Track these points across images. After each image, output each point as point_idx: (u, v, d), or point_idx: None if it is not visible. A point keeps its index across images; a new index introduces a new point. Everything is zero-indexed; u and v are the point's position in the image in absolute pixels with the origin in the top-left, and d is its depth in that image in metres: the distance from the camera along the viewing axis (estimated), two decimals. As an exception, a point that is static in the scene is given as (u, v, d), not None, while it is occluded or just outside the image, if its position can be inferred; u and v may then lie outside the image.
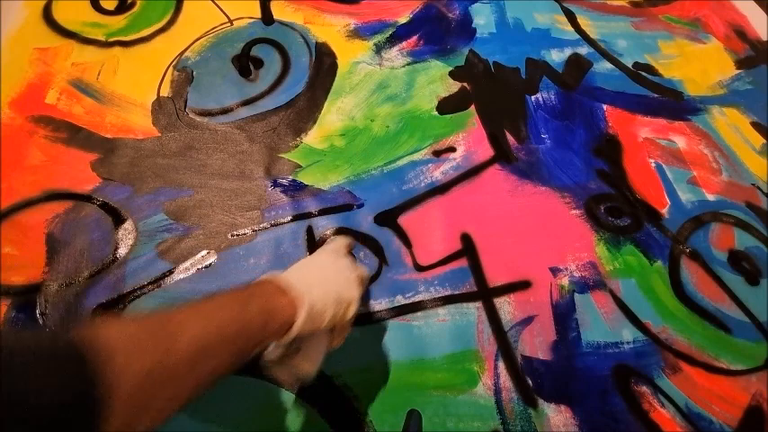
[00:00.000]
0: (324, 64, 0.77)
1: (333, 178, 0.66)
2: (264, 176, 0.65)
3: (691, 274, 0.65)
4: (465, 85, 0.78)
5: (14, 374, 0.20)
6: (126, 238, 0.58)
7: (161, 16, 0.78)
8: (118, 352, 0.23)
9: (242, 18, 0.80)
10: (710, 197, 0.72)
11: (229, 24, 0.79)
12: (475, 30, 0.86)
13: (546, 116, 0.77)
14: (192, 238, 0.59)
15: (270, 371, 0.41)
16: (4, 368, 0.20)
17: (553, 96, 0.79)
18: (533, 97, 0.79)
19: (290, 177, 0.65)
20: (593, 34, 0.89)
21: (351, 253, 0.49)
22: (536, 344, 0.57)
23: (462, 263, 0.62)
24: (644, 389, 0.56)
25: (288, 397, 0.51)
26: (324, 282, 0.37)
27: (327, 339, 0.42)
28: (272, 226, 0.61)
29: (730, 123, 0.81)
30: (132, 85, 0.71)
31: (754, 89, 0.87)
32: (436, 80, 0.78)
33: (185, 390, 0.27)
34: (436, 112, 0.74)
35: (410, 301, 0.58)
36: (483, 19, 0.88)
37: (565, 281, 0.62)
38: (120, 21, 0.77)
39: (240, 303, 0.31)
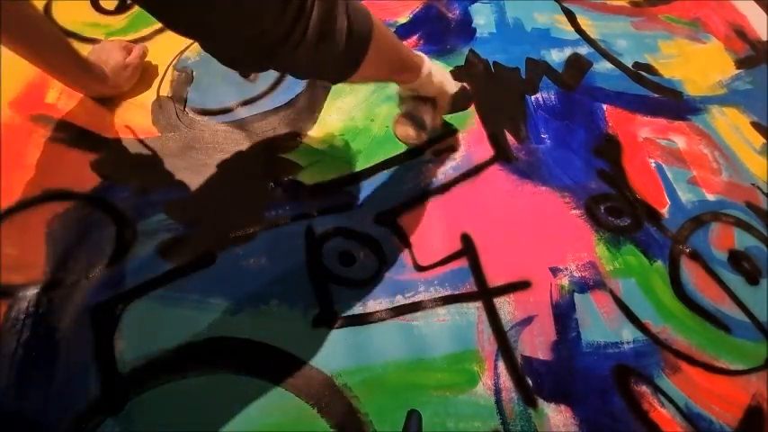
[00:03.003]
0: (324, 64, 0.77)
1: (333, 178, 0.66)
2: (264, 176, 0.65)
3: (691, 273, 0.65)
4: (465, 85, 0.78)
5: None
6: (126, 237, 0.58)
7: (161, 16, 0.78)
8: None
9: (242, 18, 0.80)
10: (710, 197, 0.72)
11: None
12: (475, 30, 0.86)
13: (546, 116, 0.77)
14: (192, 238, 0.59)
15: (401, 124, 0.62)
16: None
17: (553, 96, 0.79)
18: (533, 97, 0.79)
19: (290, 177, 0.65)
20: (593, 34, 0.89)
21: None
22: (536, 344, 0.57)
23: (462, 263, 0.62)
24: (644, 389, 0.56)
25: (288, 397, 0.51)
26: (436, 66, 0.58)
27: (433, 112, 0.63)
28: (272, 226, 0.61)
29: (730, 123, 0.81)
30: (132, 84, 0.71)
31: (754, 89, 0.87)
32: (436, 80, 0.78)
33: (382, 68, 0.50)
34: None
35: (410, 301, 0.58)
36: (483, 19, 0.88)
37: (565, 281, 0.62)
38: (119, 21, 0.77)
39: (408, 47, 0.54)
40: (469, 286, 0.60)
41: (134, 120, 0.68)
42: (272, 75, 0.74)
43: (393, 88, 0.75)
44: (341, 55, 0.39)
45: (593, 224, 0.67)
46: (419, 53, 0.56)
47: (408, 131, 0.62)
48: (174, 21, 0.33)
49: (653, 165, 0.74)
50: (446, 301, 0.59)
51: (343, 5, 0.38)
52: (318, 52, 0.37)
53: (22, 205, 0.58)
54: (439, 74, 0.59)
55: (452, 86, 0.63)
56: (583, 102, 0.79)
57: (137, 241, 0.58)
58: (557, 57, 0.85)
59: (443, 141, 0.71)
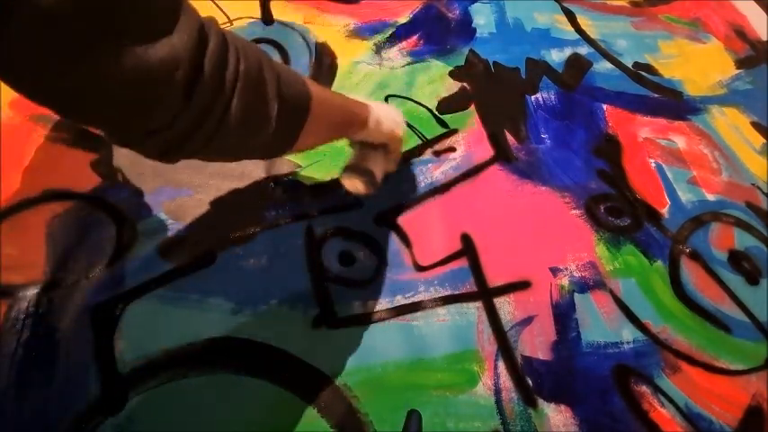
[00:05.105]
0: (324, 64, 0.77)
1: (333, 178, 0.66)
2: (264, 176, 0.65)
3: (691, 274, 0.65)
4: (465, 85, 0.78)
5: None
6: (126, 237, 0.58)
7: (161, 16, 0.78)
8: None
9: (242, 18, 0.80)
10: (710, 197, 0.72)
11: (229, 24, 0.79)
12: (475, 30, 0.86)
13: (546, 116, 0.77)
14: (192, 238, 0.59)
15: (348, 177, 0.56)
16: None
17: (553, 96, 0.79)
18: (533, 97, 0.79)
19: (290, 177, 0.65)
20: (593, 34, 0.89)
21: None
22: (536, 344, 0.57)
23: (462, 263, 0.62)
24: (644, 389, 0.56)
25: (288, 397, 0.51)
26: (384, 109, 0.56)
27: (384, 161, 0.58)
28: (272, 226, 0.61)
29: (730, 123, 0.81)
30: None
31: (754, 89, 0.87)
32: (436, 80, 0.78)
33: (323, 135, 0.48)
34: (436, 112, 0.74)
35: (410, 301, 0.58)
36: (483, 19, 0.88)
37: (565, 281, 0.62)
38: (120, 21, 0.77)
39: (351, 101, 0.51)
40: (469, 286, 0.60)
41: (134, 120, 0.67)
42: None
43: (394, 89, 0.76)
44: (270, 139, 0.36)
45: (593, 224, 0.67)
46: (363, 101, 0.52)
47: (357, 185, 0.56)
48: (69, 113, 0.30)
49: (653, 165, 0.74)
50: (446, 301, 0.59)
51: (273, 88, 0.34)
52: (241, 141, 0.34)
53: (22, 205, 0.58)
54: (388, 118, 0.55)
55: (402, 128, 0.59)
56: (583, 102, 0.79)
57: (137, 241, 0.58)
58: (557, 57, 0.85)
59: (443, 141, 0.71)
